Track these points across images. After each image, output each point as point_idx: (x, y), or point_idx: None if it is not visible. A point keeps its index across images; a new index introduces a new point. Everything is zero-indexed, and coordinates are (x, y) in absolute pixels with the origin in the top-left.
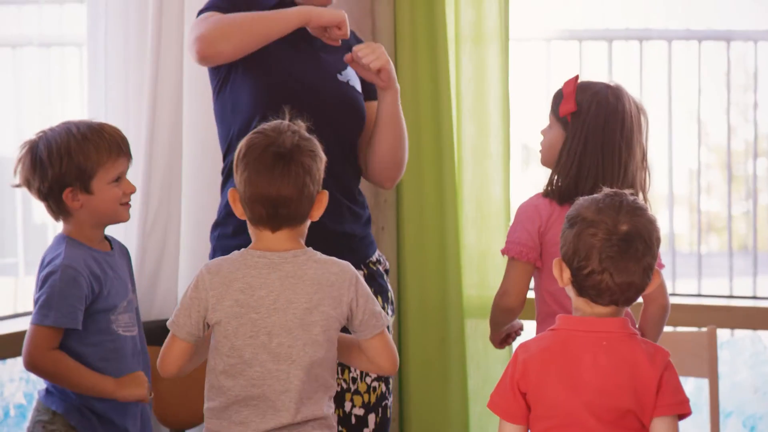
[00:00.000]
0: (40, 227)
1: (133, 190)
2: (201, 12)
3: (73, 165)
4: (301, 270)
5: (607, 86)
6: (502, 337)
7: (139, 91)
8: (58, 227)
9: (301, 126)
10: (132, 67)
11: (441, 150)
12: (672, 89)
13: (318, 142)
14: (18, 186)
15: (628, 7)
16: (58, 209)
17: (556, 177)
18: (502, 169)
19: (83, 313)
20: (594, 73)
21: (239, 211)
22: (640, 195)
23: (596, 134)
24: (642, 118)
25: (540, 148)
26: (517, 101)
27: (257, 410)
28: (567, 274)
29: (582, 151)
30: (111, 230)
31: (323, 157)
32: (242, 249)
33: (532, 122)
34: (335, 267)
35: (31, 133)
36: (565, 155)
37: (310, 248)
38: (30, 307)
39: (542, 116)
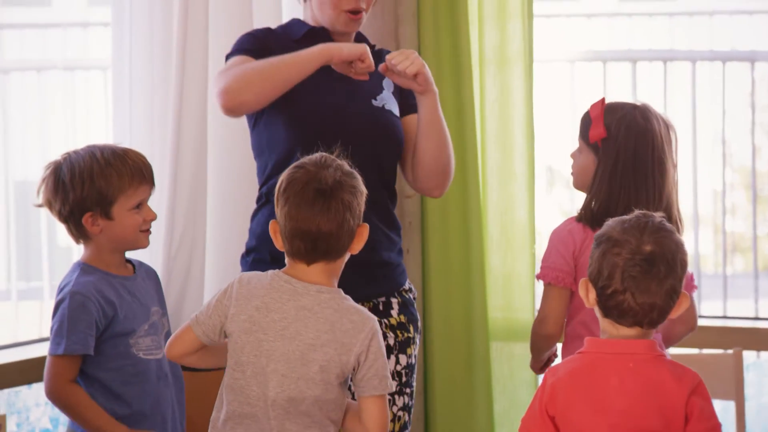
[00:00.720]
0: (65, 250)
1: (153, 217)
2: (228, 56)
3: (94, 190)
4: (319, 306)
5: (634, 107)
6: (543, 362)
7: (164, 114)
8: (81, 250)
9: (343, 161)
10: (157, 91)
11: (465, 172)
12: (696, 110)
13: (359, 175)
14: (40, 206)
15: (652, 29)
16: (77, 232)
17: (589, 202)
18: (527, 191)
19: (96, 338)
20: (618, 94)
21: (279, 244)
22: (675, 213)
23: (627, 158)
24: (671, 135)
25: (571, 171)
26: (541, 123)
27: (248, 430)
28: (593, 294)
29: (614, 175)
30: (136, 254)
31: (364, 191)
32: (276, 270)
33: (556, 144)
34: (356, 315)
35: (55, 156)
36: (597, 180)
37: (340, 290)
38: None
39: (567, 138)
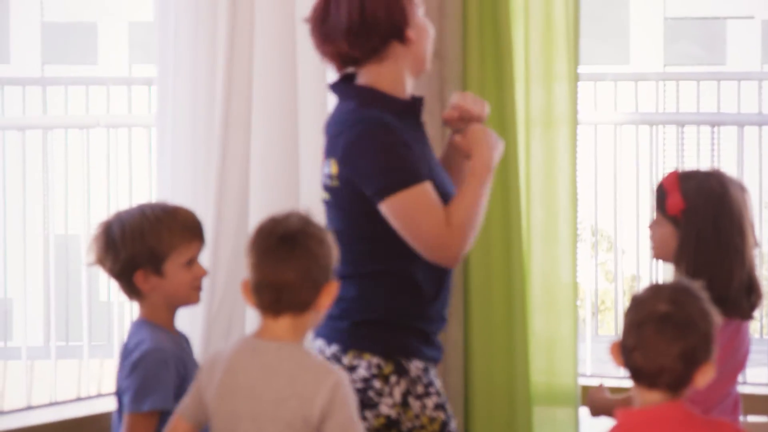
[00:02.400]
0: (105, 305)
1: (204, 273)
2: (409, 182)
3: (145, 247)
4: (279, 362)
5: (708, 174)
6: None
7: (207, 172)
8: (122, 306)
9: (312, 214)
10: (199, 148)
11: (509, 234)
12: (743, 174)
13: (329, 230)
14: (92, 264)
15: (700, 92)
16: (130, 290)
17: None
18: (570, 253)
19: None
20: (666, 157)
21: (251, 301)
22: (755, 277)
23: (708, 227)
24: (746, 197)
25: (651, 243)
26: (587, 185)
27: None
28: (619, 357)
29: (697, 246)
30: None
31: (334, 247)
32: (247, 335)
33: (601, 206)
34: (318, 368)
35: (99, 214)
36: (682, 253)
37: (304, 345)
38: (94, 391)
39: (609, 199)
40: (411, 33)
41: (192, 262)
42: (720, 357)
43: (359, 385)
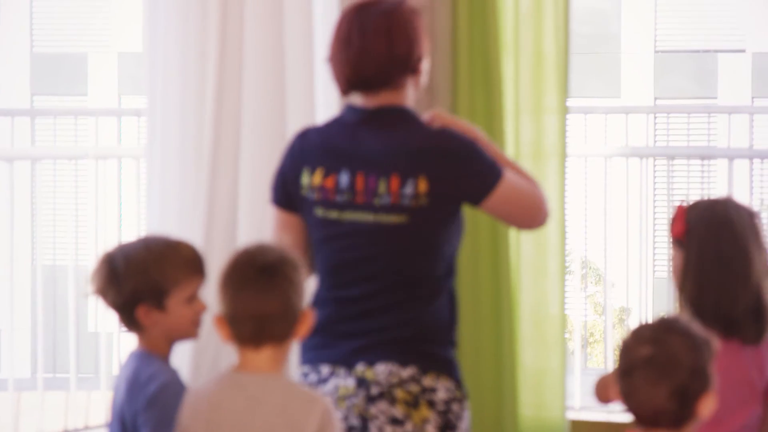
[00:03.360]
0: (93, 336)
1: (203, 308)
2: (502, 171)
3: (149, 281)
4: (265, 393)
5: (714, 201)
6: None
7: (195, 204)
8: (110, 337)
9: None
10: (188, 179)
11: (498, 267)
12: None
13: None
14: (92, 295)
15: (690, 125)
16: (130, 323)
17: (681, 299)
18: (559, 287)
19: None
20: (656, 190)
21: (226, 334)
22: (764, 300)
23: (709, 249)
24: (756, 221)
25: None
26: (577, 218)
27: None
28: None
29: (699, 270)
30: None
31: (306, 274)
32: (226, 370)
33: (591, 239)
34: (306, 395)
35: (87, 245)
36: (682, 276)
37: (286, 375)
38: (81, 424)
39: (599, 232)
40: (424, 65)
41: (193, 297)
42: (723, 382)
43: (441, 408)
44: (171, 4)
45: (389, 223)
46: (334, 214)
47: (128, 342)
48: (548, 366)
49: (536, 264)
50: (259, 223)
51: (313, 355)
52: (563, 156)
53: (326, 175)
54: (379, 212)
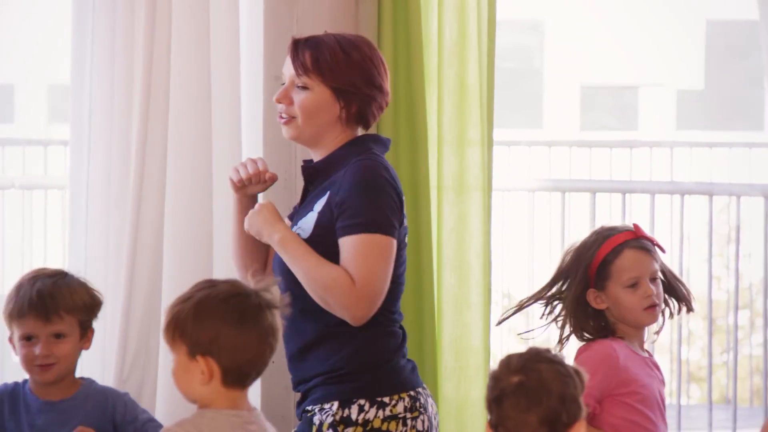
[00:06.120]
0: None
1: (43, 353)
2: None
3: (6, 316)
4: (263, 427)
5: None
6: None
7: (120, 236)
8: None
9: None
10: (113, 212)
11: (421, 299)
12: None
13: None
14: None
15: (612, 160)
16: None
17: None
18: (482, 319)
19: None
20: (577, 224)
21: (217, 384)
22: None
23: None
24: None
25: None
26: (500, 250)
27: None
28: None
29: None
30: (87, 369)
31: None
32: (214, 409)
33: (515, 271)
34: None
35: (13, 277)
36: None
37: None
38: None
39: (525, 265)
40: None
41: (32, 338)
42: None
43: None
44: (98, 34)
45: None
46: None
47: None
48: (470, 398)
49: (459, 297)
50: (184, 253)
51: (417, 379)
52: (487, 189)
53: None
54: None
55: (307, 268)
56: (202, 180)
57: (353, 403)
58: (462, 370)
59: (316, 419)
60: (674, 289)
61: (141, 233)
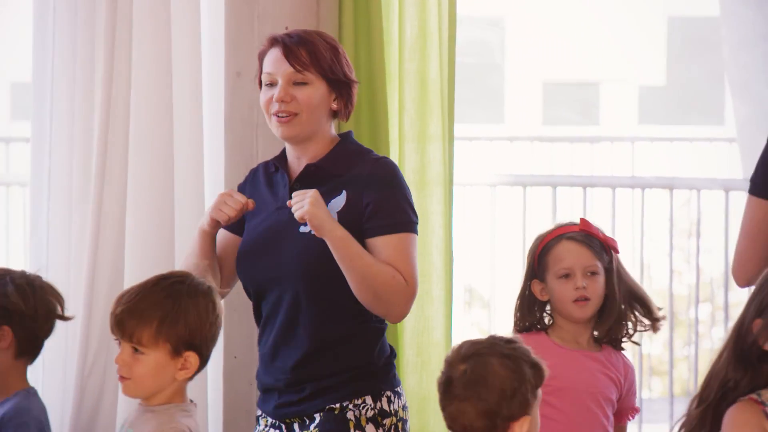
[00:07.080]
0: None
1: None
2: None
3: None
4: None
5: None
6: None
7: (82, 234)
8: None
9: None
10: (75, 208)
11: None
12: (615, 235)
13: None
14: None
15: (573, 155)
16: None
17: None
18: (444, 314)
19: None
20: (538, 218)
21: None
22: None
23: None
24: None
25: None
26: (462, 244)
27: None
28: None
29: None
30: (50, 367)
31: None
32: (177, 404)
33: (477, 265)
34: None
35: None
36: None
37: None
38: None
39: (486, 259)
40: None
41: None
42: None
43: None
44: (60, 32)
45: None
46: None
47: None
48: (432, 392)
49: (420, 290)
50: (146, 260)
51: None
52: (449, 184)
53: None
54: None
55: (365, 266)
56: (164, 178)
57: (383, 395)
58: (424, 365)
59: (351, 415)
60: (637, 301)
61: (102, 231)
